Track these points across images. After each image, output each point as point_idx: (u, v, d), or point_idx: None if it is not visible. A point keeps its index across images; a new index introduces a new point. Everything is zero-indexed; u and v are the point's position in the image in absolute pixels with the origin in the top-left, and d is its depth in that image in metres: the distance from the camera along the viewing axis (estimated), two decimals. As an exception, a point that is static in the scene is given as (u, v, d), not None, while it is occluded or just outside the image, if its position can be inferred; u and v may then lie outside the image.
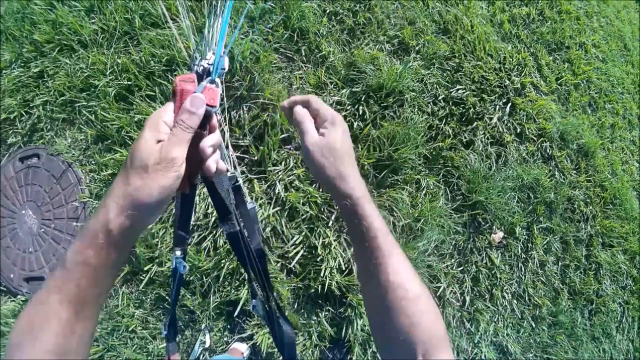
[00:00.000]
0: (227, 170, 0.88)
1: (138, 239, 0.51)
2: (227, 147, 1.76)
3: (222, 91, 0.78)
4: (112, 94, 1.83)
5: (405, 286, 0.48)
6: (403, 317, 0.47)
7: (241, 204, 0.95)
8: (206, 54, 0.73)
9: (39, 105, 1.94)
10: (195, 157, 0.49)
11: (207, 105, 0.48)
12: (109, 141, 1.84)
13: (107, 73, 1.86)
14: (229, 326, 1.78)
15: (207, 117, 0.48)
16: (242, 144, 1.78)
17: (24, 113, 1.98)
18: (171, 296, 0.73)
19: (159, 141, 0.44)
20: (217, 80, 0.51)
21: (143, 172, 0.42)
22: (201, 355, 1.72)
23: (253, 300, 0.75)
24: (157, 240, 1.75)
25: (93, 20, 2.00)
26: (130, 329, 1.78)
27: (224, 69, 0.70)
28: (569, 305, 2.25)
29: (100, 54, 1.92)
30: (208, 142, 0.48)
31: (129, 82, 1.85)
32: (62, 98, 1.91)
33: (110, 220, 0.42)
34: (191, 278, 1.74)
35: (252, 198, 1.71)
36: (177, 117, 0.46)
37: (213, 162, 0.50)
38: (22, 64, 2.03)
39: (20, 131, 1.98)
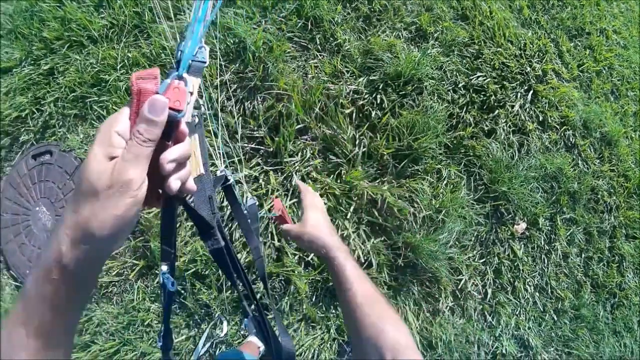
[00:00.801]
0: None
1: (102, 268, 0.44)
2: (224, 140, 1.72)
3: (202, 88, 0.67)
4: (124, 88, 1.81)
5: (366, 305, 0.62)
6: (370, 328, 0.59)
7: (234, 203, 0.90)
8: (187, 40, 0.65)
9: (50, 102, 1.94)
10: (160, 172, 0.40)
11: (171, 109, 0.37)
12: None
13: (118, 67, 1.85)
14: (246, 319, 1.76)
15: (172, 124, 0.38)
16: (257, 135, 1.74)
17: (35, 110, 1.98)
18: (163, 309, 0.70)
19: (112, 158, 0.36)
20: (187, 76, 0.40)
21: (93, 199, 0.35)
22: (210, 350, 1.70)
23: (245, 320, 0.71)
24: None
25: (102, 15, 1.98)
26: (145, 323, 1.76)
27: (204, 62, 0.61)
28: (592, 298, 2.19)
29: (110, 48, 1.91)
30: (169, 156, 0.38)
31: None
32: (73, 94, 1.89)
33: (63, 255, 0.35)
34: (206, 272, 1.71)
35: (268, 191, 1.67)
36: (133, 126, 0.37)
37: (175, 181, 0.39)
38: (32, 62, 2.03)
39: (32, 129, 1.98)
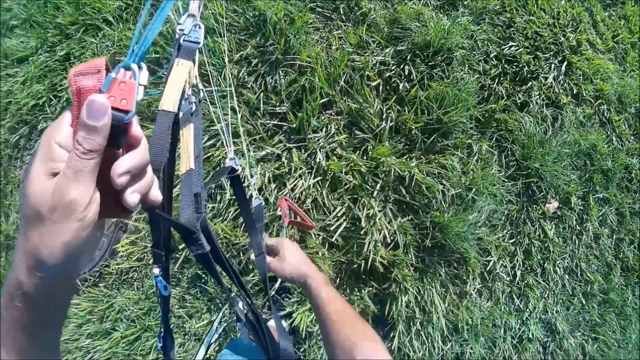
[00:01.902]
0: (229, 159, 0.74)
1: (74, 283, 0.38)
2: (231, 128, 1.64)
3: (196, 77, 0.56)
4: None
5: (341, 322, 0.67)
6: (344, 343, 0.63)
7: (240, 196, 0.84)
8: (183, 17, 0.51)
9: (66, 88, 1.90)
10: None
11: (115, 110, 0.30)
12: (140, 117, 1.75)
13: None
14: (267, 303, 1.72)
15: (119, 129, 0.31)
16: (279, 111, 1.66)
17: (52, 97, 1.95)
18: (161, 311, 0.68)
19: (54, 174, 0.30)
20: (135, 67, 0.32)
21: (38, 224, 0.30)
22: (224, 335, 1.66)
23: (239, 324, 0.67)
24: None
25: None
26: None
27: (198, 42, 0.50)
28: (621, 282, 2.13)
29: (126, 29, 1.87)
30: (119, 169, 0.31)
31: (157, 55, 1.76)
32: (90, 79, 1.86)
33: (22, 283, 0.32)
34: (227, 255, 1.66)
35: (291, 169, 1.60)
36: (75, 134, 0.30)
37: (132, 195, 0.33)
38: (48, 49, 2.00)
39: (50, 116, 1.95)
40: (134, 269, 1.79)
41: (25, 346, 0.35)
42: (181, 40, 0.51)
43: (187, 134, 0.53)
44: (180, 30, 0.52)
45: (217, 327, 1.63)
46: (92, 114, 0.29)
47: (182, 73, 0.49)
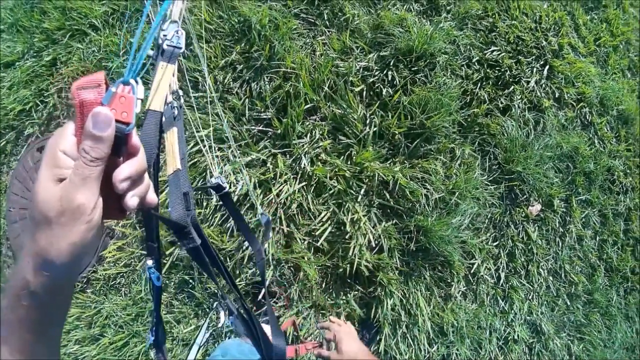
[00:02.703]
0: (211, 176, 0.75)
1: (75, 282, 0.43)
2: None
3: (176, 83, 0.60)
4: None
5: None
6: None
7: (233, 211, 0.87)
8: (166, 23, 0.55)
9: (53, 93, 1.91)
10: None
11: (118, 122, 0.33)
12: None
13: (121, 54, 1.81)
14: (254, 308, 1.72)
15: (121, 139, 0.34)
16: (264, 116, 1.67)
17: (39, 103, 1.95)
18: (154, 302, 0.68)
19: (60, 180, 0.33)
20: (133, 82, 0.34)
21: (46, 227, 0.32)
22: (211, 340, 1.66)
23: (230, 318, 0.68)
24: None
25: (103, 2, 1.95)
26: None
27: (180, 47, 0.54)
28: (605, 282, 2.16)
29: (112, 34, 1.88)
30: (121, 175, 0.35)
31: (144, 61, 1.77)
32: (76, 84, 1.87)
33: (29, 282, 0.34)
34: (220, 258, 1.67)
35: (276, 175, 1.61)
36: (80, 143, 0.33)
37: (132, 199, 0.36)
38: (35, 54, 2.01)
39: (36, 121, 1.95)
40: (121, 274, 1.79)
41: (31, 344, 0.36)
42: (164, 45, 0.55)
43: (172, 137, 0.57)
44: (163, 35, 0.55)
45: (205, 331, 1.63)
46: (98, 125, 0.32)
47: (166, 75, 0.53)
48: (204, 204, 1.66)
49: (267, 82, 1.66)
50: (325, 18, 1.76)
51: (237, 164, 1.56)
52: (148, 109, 0.51)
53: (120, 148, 0.34)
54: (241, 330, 0.68)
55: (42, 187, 0.33)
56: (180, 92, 0.64)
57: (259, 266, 0.89)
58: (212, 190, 0.84)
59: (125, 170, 0.35)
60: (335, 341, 0.87)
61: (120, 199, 0.36)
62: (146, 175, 0.39)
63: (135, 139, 0.36)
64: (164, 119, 0.56)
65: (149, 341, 0.77)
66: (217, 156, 1.68)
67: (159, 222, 0.66)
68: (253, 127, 1.64)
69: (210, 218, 1.64)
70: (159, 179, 0.62)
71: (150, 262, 0.65)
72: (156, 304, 0.72)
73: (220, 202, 1.64)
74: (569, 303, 2.02)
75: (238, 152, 1.64)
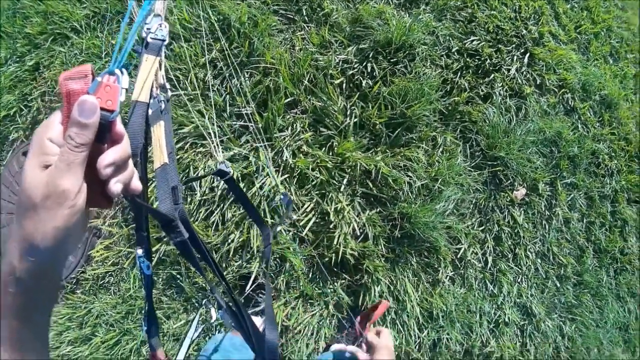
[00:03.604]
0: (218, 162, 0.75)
1: (61, 274, 0.43)
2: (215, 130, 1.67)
3: (165, 83, 0.63)
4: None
5: None
6: None
7: (241, 195, 0.87)
8: (150, 17, 0.58)
9: (37, 97, 1.93)
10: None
11: (103, 109, 0.35)
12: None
13: (103, 56, 1.82)
14: (243, 300, 1.74)
15: (105, 126, 0.35)
16: (245, 112, 1.69)
17: (23, 107, 1.96)
18: (145, 291, 0.69)
19: (47, 167, 0.34)
20: (118, 72, 0.36)
21: (32, 212, 0.34)
22: (202, 334, 1.68)
23: (220, 312, 0.68)
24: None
25: (84, 5, 1.96)
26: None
27: (164, 40, 0.57)
28: (594, 263, 2.17)
29: (94, 37, 1.89)
30: (105, 161, 0.36)
31: (126, 62, 1.79)
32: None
33: (15, 268, 0.35)
34: (199, 254, 1.68)
35: (258, 168, 1.63)
36: (66, 131, 0.34)
37: (116, 184, 0.38)
38: (17, 60, 2.02)
39: (21, 126, 1.97)
40: (109, 273, 1.80)
41: (18, 330, 0.37)
42: (148, 38, 0.57)
43: (158, 131, 0.58)
44: (147, 29, 0.58)
45: (197, 325, 1.65)
46: (84, 112, 0.34)
47: (150, 67, 0.55)
48: (189, 199, 1.68)
49: (247, 78, 1.68)
50: (304, 14, 1.78)
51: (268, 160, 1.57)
52: (135, 100, 0.53)
53: (104, 135, 0.36)
54: (230, 324, 0.68)
55: (29, 173, 0.34)
56: (168, 86, 0.66)
57: (266, 252, 0.90)
58: (217, 177, 0.84)
59: (109, 156, 0.36)
60: (372, 347, 0.89)
61: (105, 187, 0.38)
62: (130, 162, 0.40)
63: (119, 126, 0.37)
64: (150, 111, 0.57)
65: (144, 331, 0.78)
66: (199, 152, 1.70)
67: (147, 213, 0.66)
68: (234, 123, 1.67)
69: (194, 213, 1.66)
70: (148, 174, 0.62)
71: (140, 252, 0.65)
72: (148, 293, 0.72)
73: (205, 197, 1.66)
74: (558, 285, 2.04)
75: (220, 147, 1.66)
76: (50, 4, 1.92)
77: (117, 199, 0.42)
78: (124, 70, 0.37)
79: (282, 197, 0.97)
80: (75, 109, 0.34)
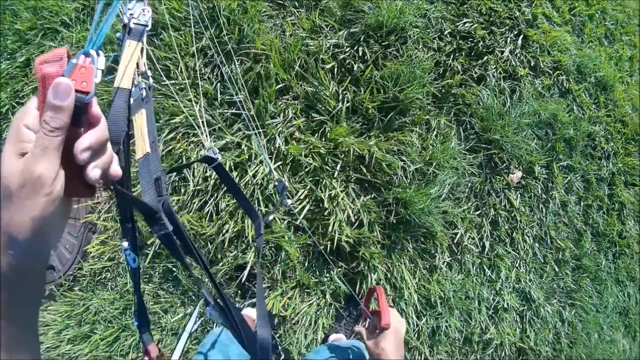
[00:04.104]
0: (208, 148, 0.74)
1: (46, 264, 0.41)
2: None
3: (147, 71, 0.61)
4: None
5: None
6: None
7: (230, 182, 0.85)
8: (132, 2, 0.56)
9: (29, 93, 1.90)
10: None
11: (78, 91, 0.34)
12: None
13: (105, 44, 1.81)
14: (239, 291, 1.73)
15: (80, 109, 0.34)
16: (237, 99, 1.66)
17: (15, 104, 1.94)
18: (133, 285, 0.67)
19: (23, 154, 0.33)
20: (94, 53, 0.35)
21: (9, 202, 0.32)
22: (200, 327, 1.66)
23: (208, 308, 0.65)
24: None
25: None
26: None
27: (146, 25, 0.55)
28: (593, 247, 2.16)
29: (84, 30, 1.88)
30: (81, 145, 0.35)
31: (115, 54, 1.77)
32: (51, 81, 1.88)
33: None
34: (196, 245, 1.67)
35: (251, 156, 1.61)
36: (41, 116, 0.33)
37: (94, 170, 0.36)
38: (8, 56, 2.00)
39: None
40: (106, 269, 1.78)
41: (4, 328, 0.36)
42: (130, 24, 0.55)
43: (140, 119, 0.56)
44: (130, 14, 0.56)
45: (196, 319, 1.64)
46: (58, 95, 0.33)
47: (133, 53, 0.53)
48: (182, 190, 1.66)
49: (237, 65, 1.66)
50: (294, -1, 1.76)
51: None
52: (116, 87, 0.51)
53: (80, 118, 0.35)
54: (219, 321, 0.65)
55: (5, 162, 0.33)
56: (149, 73, 0.63)
57: (258, 243, 0.88)
58: (205, 164, 0.82)
59: (86, 140, 0.35)
60: (380, 330, 0.83)
61: (83, 173, 0.36)
62: (109, 146, 0.38)
63: (95, 108, 0.36)
64: (132, 100, 0.56)
65: (135, 326, 0.76)
66: (192, 142, 1.68)
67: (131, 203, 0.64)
68: (226, 111, 1.64)
69: (188, 204, 1.64)
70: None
71: (125, 244, 0.64)
72: (135, 286, 0.70)
73: (199, 187, 1.64)
74: (557, 269, 2.03)
75: (212, 136, 1.64)
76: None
77: (99, 187, 0.40)
78: (99, 51, 0.36)
79: (276, 183, 0.94)
80: (50, 92, 0.33)
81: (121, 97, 0.49)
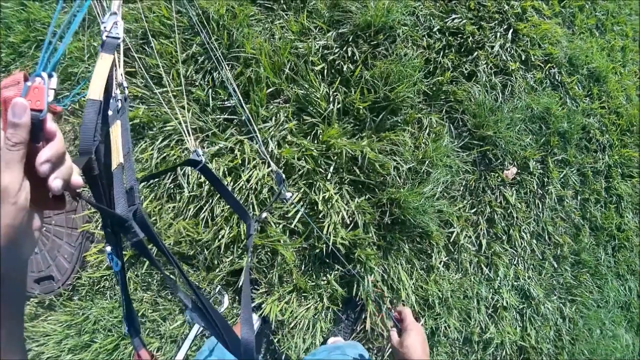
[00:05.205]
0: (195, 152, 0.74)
1: (24, 274, 0.44)
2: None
3: (123, 82, 0.66)
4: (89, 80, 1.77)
5: None
6: None
7: (217, 183, 0.86)
8: (106, 15, 0.60)
9: None
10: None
11: (33, 110, 0.38)
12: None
13: (85, 59, 1.81)
14: (236, 297, 1.72)
15: (37, 125, 0.38)
16: (228, 105, 1.66)
17: None
18: (120, 289, 0.68)
19: None
20: (45, 74, 0.40)
21: None
22: (199, 334, 1.66)
23: (187, 312, 0.66)
24: (154, 219, 1.68)
25: (65, 10, 1.97)
26: (140, 313, 1.73)
27: (118, 38, 0.58)
28: (591, 241, 2.14)
29: (76, 40, 1.89)
30: (41, 158, 0.38)
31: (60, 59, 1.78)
32: (44, 92, 1.89)
33: None
34: (191, 252, 1.67)
35: (244, 160, 1.60)
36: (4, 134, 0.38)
37: (55, 180, 0.39)
38: (3, 69, 2.02)
39: None
40: (105, 277, 1.78)
41: None
42: (103, 37, 0.58)
43: (116, 131, 0.58)
44: (103, 28, 0.59)
45: (197, 326, 1.63)
46: (16, 113, 0.37)
47: (105, 65, 0.56)
48: (177, 197, 1.65)
49: (228, 70, 1.65)
50: (282, 2, 1.76)
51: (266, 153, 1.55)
52: (87, 98, 0.53)
53: (38, 134, 0.39)
54: (201, 324, 0.65)
55: None
56: (125, 84, 0.66)
57: (248, 243, 0.89)
58: (191, 167, 0.85)
59: (44, 153, 0.38)
60: (403, 329, 0.86)
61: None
62: (68, 158, 0.41)
63: (50, 124, 0.39)
64: (110, 112, 0.58)
65: (125, 330, 0.76)
66: (185, 149, 1.68)
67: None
68: (218, 117, 1.64)
69: (184, 211, 1.63)
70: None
71: (109, 249, 0.65)
72: (122, 289, 0.71)
73: (194, 194, 1.64)
74: (556, 265, 2.01)
75: (206, 142, 1.64)
76: (32, 12, 1.92)
77: (69, 199, 0.42)
78: (53, 73, 0.40)
79: (275, 175, 0.95)
80: (9, 111, 0.37)
81: (91, 108, 0.51)
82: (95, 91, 0.53)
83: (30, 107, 0.38)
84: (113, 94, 0.60)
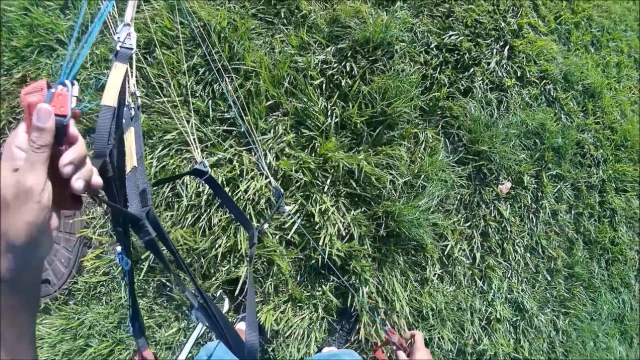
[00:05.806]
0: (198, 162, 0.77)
1: (40, 273, 0.47)
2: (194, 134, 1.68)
3: (136, 92, 0.70)
4: (94, 85, 1.80)
5: None
6: None
7: (222, 194, 0.89)
8: (120, 26, 0.63)
9: (25, 109, 1.96)
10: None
11: (57, 115, 0.40)
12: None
13: (88, 65, 1.83)
14: (233, 305, 1.74)
15: (60, 129, 0.41)
16: (228, 116, 1.69)
17: (12, 120, 1.99)
18: (128, 288, 0.70)
19: (16, 170, 0.39)
20: (68, 82, 0.42)
21: (5, 210, 0.38)
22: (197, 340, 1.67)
23: (193, 311, 0.68)
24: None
25: (68, 17, 2.00)
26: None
27: (132, 48, 0.61)
28: (585, 255, 2.16)
29: (80, 48, 1.93)
30: (65, 160, 0.41)
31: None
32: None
33: None
34: (188, 261, 1.68)
35: (242, 171, 1.63)
36: (29, 137, 0.40)
37: (77, 181, 0.42)
38: (5, 73, 2.05)
39: None
40: (101, 283, 1.80)
41: (3, 331, 0.40)
42: (117, 47, 0.61)
43: (130, 137, 0.62)
44: (117, 38, 0.62)
45: (198, 330, 1.65)
46: (41, 118, 0.39)
47: (119, 74, 0.59)
48: (175, 206, 1.68)
49: (228, 83, 1.68)
50: (283, 16, 1.79)
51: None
52: (102, 104, 0.56)
53: (61, 138, 0.41)
54: (205, 324, 0.67)
55: (2, 177, 0.38)
56: (138, 94, 0.70)
57: (250, 252, 0.91)
58: (196, 177, 0.88)
59: (67, 156, 0.41)
60: (410, 348, 0.92)
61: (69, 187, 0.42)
62: (88, 160, 0.44)
63: (72, 129, 0.42)
64: (124, 120, 0.62)
65: (130, 331, 0.78)
66: (185, 158, 1.71)
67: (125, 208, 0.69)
68: (217, 128, 1.67)
69: (182, 219, 1.66)
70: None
71: (119, 248, 0.68)
72: (130, 289, 0.73)
73: (192, 203, 1.66)
74: (549, 278, 2.03)
75: (204, 153, 1.66)
76: (35, 17, 1.94)
77: (86, 200, 0.45)
78: (74, 81, 0.42)
79: (274, 190, 0.98)
80: (34, 116, 0.39)
81: (106, 114, 0.54)
82: (109, 98, 0.56)
83: (55, 112, 0.40)
84: (126, 102, 0.64)
